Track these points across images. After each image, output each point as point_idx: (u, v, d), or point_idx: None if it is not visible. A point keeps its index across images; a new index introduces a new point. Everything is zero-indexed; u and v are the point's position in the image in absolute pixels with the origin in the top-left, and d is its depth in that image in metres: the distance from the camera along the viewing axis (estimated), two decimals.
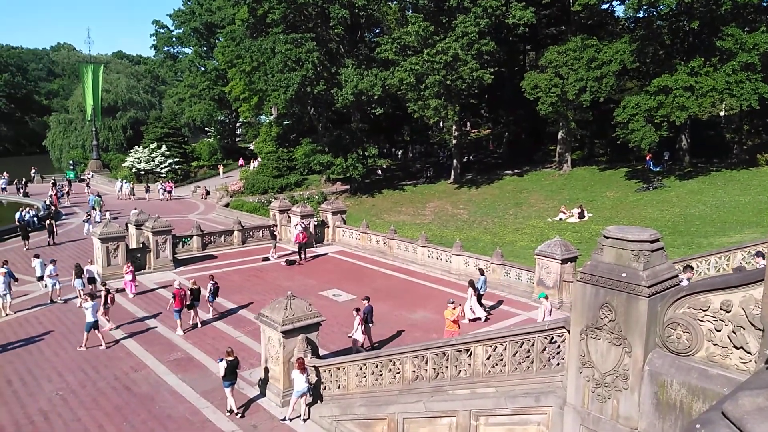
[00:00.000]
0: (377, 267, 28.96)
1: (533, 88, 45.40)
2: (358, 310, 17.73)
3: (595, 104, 45.82)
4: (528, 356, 10.20)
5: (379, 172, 58.22)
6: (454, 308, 17.94)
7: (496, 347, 10.64)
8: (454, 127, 53.72)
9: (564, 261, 21.24)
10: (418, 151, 72.15)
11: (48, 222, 35.12)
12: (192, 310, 20.11)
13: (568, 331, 9.25)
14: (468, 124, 71.63)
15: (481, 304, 21.25)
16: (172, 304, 19.42)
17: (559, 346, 9.76)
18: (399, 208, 47.18)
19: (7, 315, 20.97)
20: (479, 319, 20.65)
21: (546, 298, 18.66)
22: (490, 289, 23.88)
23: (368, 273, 27.89)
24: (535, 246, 24.76)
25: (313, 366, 14.07)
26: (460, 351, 11.24)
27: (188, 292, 19.94)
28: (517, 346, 10.33)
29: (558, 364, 9.77)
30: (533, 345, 10.09)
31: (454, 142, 54.03)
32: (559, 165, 50.89)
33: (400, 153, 72.46)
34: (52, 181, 57.22)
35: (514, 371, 10.39)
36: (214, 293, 21.28)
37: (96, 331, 18.24)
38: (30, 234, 34.13)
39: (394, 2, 55.31)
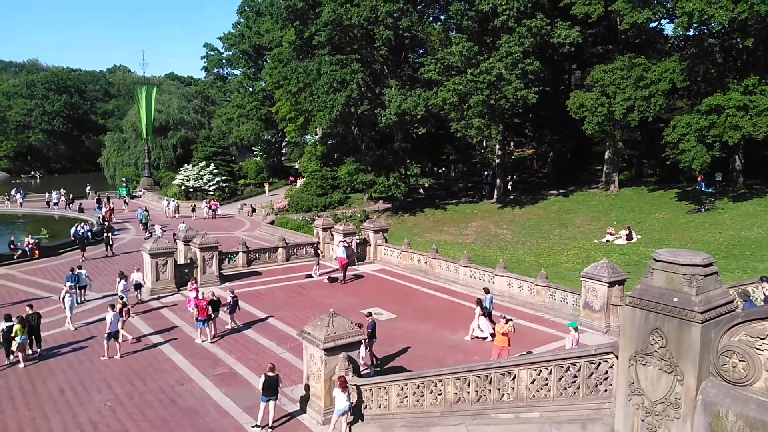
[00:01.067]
0: (418, 286, 28.86)
1: (579, 108, 44.85)
2: (360, 326, 17.66)
3: (643, 124, 44.88)
4: (574, 381, 9.96)
5: (421, 191, 58.30)
6: (506, 323, 17.78)
7: (540, 371, 10.43)
8: (497, 147, 53.44)
9: (611, 284, 20.72)
10: (460, 170, 71.99)
11: (105, 235, 37.17)
12: (211, 322, 20.63)
13: (617, 357, 9.00)
14: (512, 143, 71.10)
15: (492, 322, 21.15)
16: (196, 315, 20.41)
17: (606, 372, 9.49)
18: (441, 227, 47.02)
19: (64, 327, 21.68)
20: (485, 338, 20.52)
21: (575, 329, 17.97)
22: (534, 311, 23.55)
23: (409, 292, 27.82)
24: (581, 268, 24.25)
25: (355, 384, 14.07)
26: (503, 374, 11.07)
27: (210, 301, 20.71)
28: (562, 371, 10.10)
29: (605, 390, 9.50)
30: (579, 370, 9.85)
31: (497, 161, 53.70)
32: (606, 185, 49.89)
33: (442, 172, 72.44)
34: (96, 198, 59.57)
35: (559, 396, 10.15)
36: (234, 306, 21.82)
37: (115, 340, 19.08)
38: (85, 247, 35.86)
39: (438, 23, 55.81)
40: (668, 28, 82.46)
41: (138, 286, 25.00)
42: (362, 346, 17.45)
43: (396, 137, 53.60)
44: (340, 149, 64.18)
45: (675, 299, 7.90)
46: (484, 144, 66.77)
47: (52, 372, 17.83)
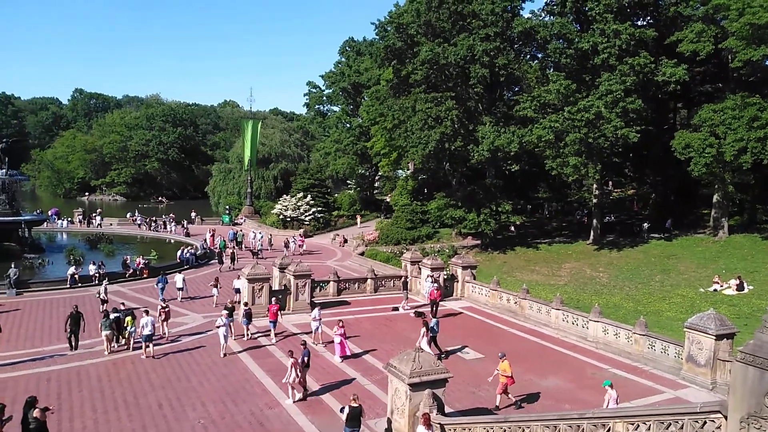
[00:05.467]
0: (507, 327, 28.15)
1: (685, 148, 42.51)
2: (291, 352, 18.34)
3: (757, 166, 41.74)
4: None
5: (512, 228, 57.16)
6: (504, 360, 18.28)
7: (638, 426, 9.86)
8: (594, 186, 51.63)
9: (719, 337, 19.26)
10: (554, 208, 70.04)
11: (231, 252, 42.48)
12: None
13: (725, 417, 8.36)
14: (610, 183, 68.43)
15: (436, 345, 22.34)
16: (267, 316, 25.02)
17: None
18: (532, 266, 45.75)
19: (224, 355, 22.17)
20: None
21: (611, 386, 16.47)
22: (631, 361, 22.38)
23: (497, 332, 27.19)
24: (684, 318, 22.81)
25: (439, 423, 13.88)
26: (596, 426, 10.56)
27: (279, 306, 25.63)
28: (662, 427, 9.50)
29: None
30: (682, 428, 9.22)
31: (594, 201, 51.81)
32: (714, 231, 46.61)
33: (536, 211, 70.78)
34: (169, 219, 65.31)
35: None
36: (248, 317, 24.65)
37: (150, 343, 21.64)
38: (188, 269, 39.57)
39: (535, 61, 55.36)
40: None
41: (237, 291, 29.41)
42: (294, 372, 17.77)
43: (488, 174, 53.19)
44: (430, 184, 64.52)
45: None
46: (582, 183, 64.79)
47: (153, 386, 18.97)
